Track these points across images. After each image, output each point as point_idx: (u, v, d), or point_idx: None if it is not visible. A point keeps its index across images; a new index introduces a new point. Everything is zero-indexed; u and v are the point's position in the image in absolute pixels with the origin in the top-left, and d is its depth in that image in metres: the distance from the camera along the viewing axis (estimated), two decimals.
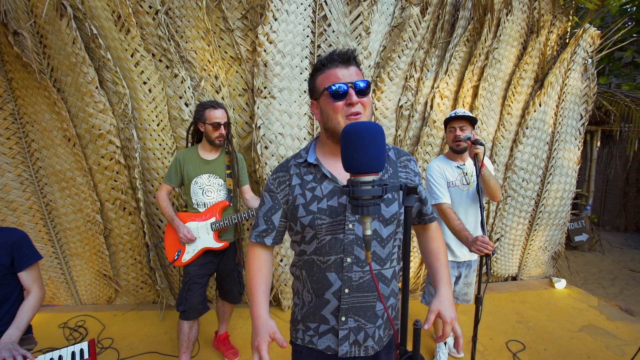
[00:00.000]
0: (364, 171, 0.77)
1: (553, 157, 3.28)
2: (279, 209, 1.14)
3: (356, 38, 2.79)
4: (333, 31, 2.75)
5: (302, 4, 2.65)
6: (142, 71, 2.59)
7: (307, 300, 1.17)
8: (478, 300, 1.86)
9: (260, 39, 2.56)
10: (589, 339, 2.56)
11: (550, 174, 3.30)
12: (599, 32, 3.12)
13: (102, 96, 2.52)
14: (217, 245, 2.06)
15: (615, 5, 4.78)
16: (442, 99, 2.98)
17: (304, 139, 2.86)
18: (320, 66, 1.03)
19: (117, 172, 2.63)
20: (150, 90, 2.62)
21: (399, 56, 2.89)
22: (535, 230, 3.43)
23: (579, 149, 3.35)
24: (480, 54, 2.92)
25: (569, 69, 3.16)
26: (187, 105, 2.64)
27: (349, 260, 1.07)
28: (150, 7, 2.55)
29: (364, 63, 2.84)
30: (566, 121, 3.25)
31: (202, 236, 2.06)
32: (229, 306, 2.37)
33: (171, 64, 2.60)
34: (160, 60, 2.64)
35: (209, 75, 2.69)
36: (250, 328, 2.65)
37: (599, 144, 4.74)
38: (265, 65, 2.61)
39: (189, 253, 2.06)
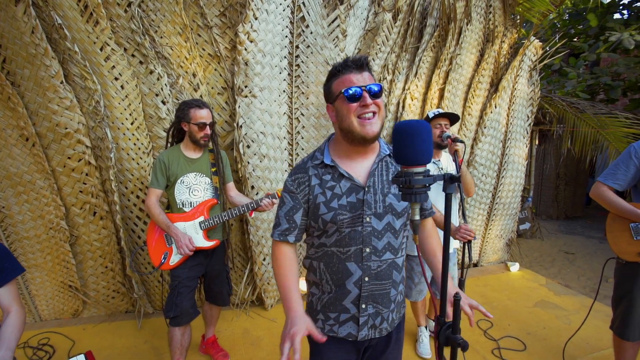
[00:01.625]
0: (416, 163, 0.85)
1: (506, 154, 3.66)
2: (300, 208, 1.20)
3: (333, 40, 2.88)
4: (311, 32, 2.81)
5: (280, 4, 2.68)
6: (113, 66, 2.44)
7: (326, 290, 1.23)
8: (461, 284, 2.05)
9: (241, 37, 2.54)
10: (542, 313, 2.92)
11: (504, 169, 3.68)
12: (540, 43, 3.56)
13: (69, 92, 2.33)
14: (207, 244, 2.02)
15: (549, 19, 5.43)
16: (412, 100, 3.18)
17: (284, 138, 2.89)
18: (335, 72, 1.12)
19: (87, 174, 2.45)
20: (122, 87, 2.47)
21: (373, 59, 3.04)
22: (492, 220, 3.80)
23: (526, 146, 3.78)
24: (445, 59, 3.17)
25: (518, 75, 3.55)
26: (164, 103, 2.54)
27: (367, 250, 1.15)
28: None
29: None
30: (516, 122, 3.65)
31: (191, 236, 2.00)
32: (217, 309, 2.32)
33: (146, 59, 2.48)
34: (133, 55, 2.50)
35: (186, 72, 2.61)
36: (235, 330, 2.64)
37: (537, 142, 5.35)
38: (246, 64, 2.60)
39: (178, 255, 1.99)
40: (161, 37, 2.53)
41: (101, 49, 2.41)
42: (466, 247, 1.95)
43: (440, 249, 1.33)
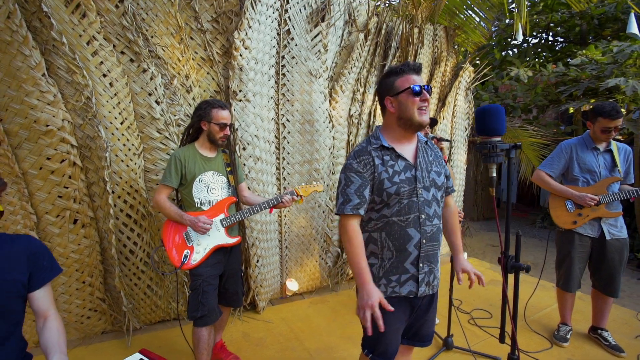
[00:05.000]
0: (497, 134, 1.15)
1: (452, 159, 4.30)
2: (368, 184, 1.41)
3: (316, 53, 3.14)
4: (296, 45, 3.03)
5: (269, 16, 2.85)
6: (102, 62, 2.30)
7: (387, 257, 1.45)
8: (452, 260, 2.41)
9: (237, 43, 2.63)
10: (496, 289, 3.48)
11: (452, 172, 4.32)
12: (472, 68, 4.35)
13: (52, 86, 2.12)
14: (230, 241, 2.02)
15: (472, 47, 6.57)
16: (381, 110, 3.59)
17: (272, 142, 3.00)
18: (397, 71, 1.41)
19: (70, 177, 2.21)
20: (111, 84, 2.33)
21: (348, 72, 3.37)
22: None
23: (465, 153, 4.50)
24: None
25: (457, 93, 4.26)
26: (158, 103, 2.45)
27: (423, 216, 1.42)
28: None
29: (323, 76, 3.21)
30: (458, 132, 4.34)
31: (212, 234, 1.99)
32: (227, 312, 2.29)
33: (138, 57, 2.39)
34: (122, 52, 2.39)
35: (179, 74, 2.58)
36: (234, 335, 2.64)
37: None
38: (241, 69, 2.69)
39: (199, 253, 1.96)
40: (151, 37, 2.47)
41: (88, 43, 2.26)
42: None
43: (459, 228, 1.66)
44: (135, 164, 2.43)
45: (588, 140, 2.39)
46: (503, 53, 6.95)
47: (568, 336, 2.53)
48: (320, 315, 2.94)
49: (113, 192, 2.38)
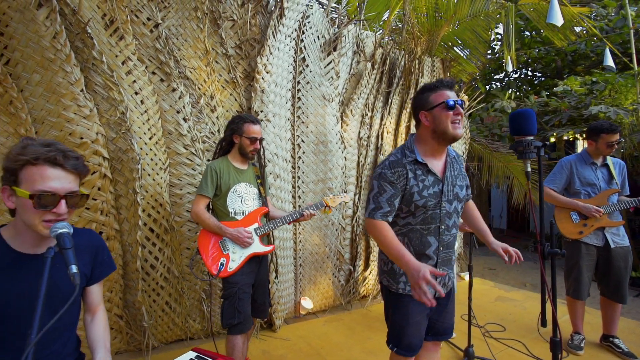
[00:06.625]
0: (529, 133, 1.30)
1: None
2: (399, 195, 1.52)
3: (329, 79, 3.36)
4: (310, 71, 3.24)
5: (287, 44, 3.08)
6: (134, 81, 2.42)
7: None
8: (470, 269, 2.52)
9: (259, 67, 2.81)
10: (503, 304, 3.57)
11: None
12: (466, 96, 4.69)
13: (89, 101, 2.20)
14: (265, 249, 2.07)
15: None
16: (387, 134, 3.79)
17: (289, 161, 3.12)
18: (432, 87, 1.53)
19: (99, 189, 2.23)
20: (142, 102, 2.44)
21: (357, 97, 3.59)
22: None
23: None
24: (408, 103, 3.93)
25: None
26: (185, 120, 2.56)
27: (442, 227, 1.55)
28: (148, 19, 2.48)
29: (335, 100, 3.42)
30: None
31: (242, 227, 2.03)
32: (254, 323, 2.27)
33: (168, 77, 2.52)
34: (153, 73, 2.52)
35: (204, 94, 2.71)
36: (255, 353, 2.66)
37: None
38: (263, 92, 2.85)
39: (235, 262, 1.99)
40: (181, 59, 2.63)
41: (123, 63, 2.39)
42: (469, 236, 2.47)
43: (480, 216, 1.80)
44: (161, 178, 2.48)
45: (586, 157, 2.62)
46: (487, 87, 7.50)
47: (582, 345, 2.60)
48: (338, 332, 2.92)
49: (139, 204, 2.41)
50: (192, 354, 1.35)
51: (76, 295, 0.94)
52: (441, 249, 1.53)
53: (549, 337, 2.78)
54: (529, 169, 1.32)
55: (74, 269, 0.90)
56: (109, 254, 1.35)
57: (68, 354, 1.21)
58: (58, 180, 1.02)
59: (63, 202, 1.02)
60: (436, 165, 1.54)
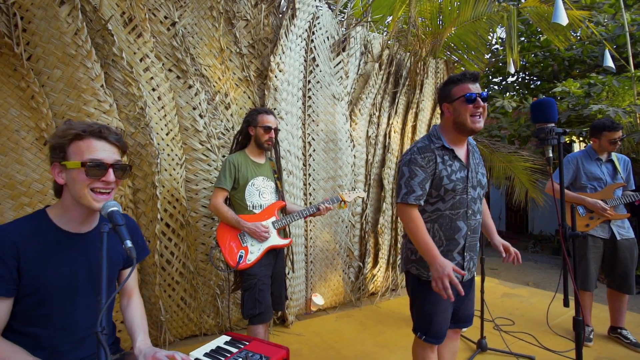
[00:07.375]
0: (550, 121, 1.36)
1: None
2: (429, 179, 1.57)
3: (339, 79, 3.43)
4: (320, 71, 3.31)
5: (298, 44, 3.14)
6: (152, 77, 2.46)
7: (438, 245, 1.57)
8: (482, 261, 2.57)
9: (273, 65, 2.87)
10: (510, 300, 3.62)
11: None
12: None
13: (109, 96, 2.23)
14: (283, 242, 2.10)
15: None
16: (394, 133, 3.86)
17: (300, 158, 3.17)
18: (455, 80, 1.57)
19: None
20: (159, 98, 2.48)
21: (365, 97, 3.66)
22: None
23: None
24: (414, 103, 4.01)
25: None
26: (201, 116, 2.59)
27: (470, 211, 1.60)
28: (165, 17, 2.53)
29: (345, 99, 3.48)
30: None
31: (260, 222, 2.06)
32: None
33: (185, 75, 2.56)
34: (170, 70, 2.56)
35: (219, 91, 2.76)
36: None
37: None
38: (276, 89, 2.90)
39: (254, 254, 2.01)
40: (197, 57, 2.67)
41: (141, 60, 2.43)
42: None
43: (488, 211, 1.86)
44: (178, 173, 2.51)
45: (592, 153, 2.69)
46: (486, 90, 7.63)
47: (591, 336, 2.66)
48: (350, 327, 2.94)
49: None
50: (226, 337, 1.38)
51: (133, 268, 0.97)
52: (469, 233, 1.58)
53: (557, 330, 2.87)
54: (550, 155, 1.38)
55: (128, 243, 0.93)
56: (143, 238, 1.38)
57: (109, 334, 1.23)
58: (104, 151, 1.08)
59: (111, 170, 1.07)
60: (459, 152, 1.60)
